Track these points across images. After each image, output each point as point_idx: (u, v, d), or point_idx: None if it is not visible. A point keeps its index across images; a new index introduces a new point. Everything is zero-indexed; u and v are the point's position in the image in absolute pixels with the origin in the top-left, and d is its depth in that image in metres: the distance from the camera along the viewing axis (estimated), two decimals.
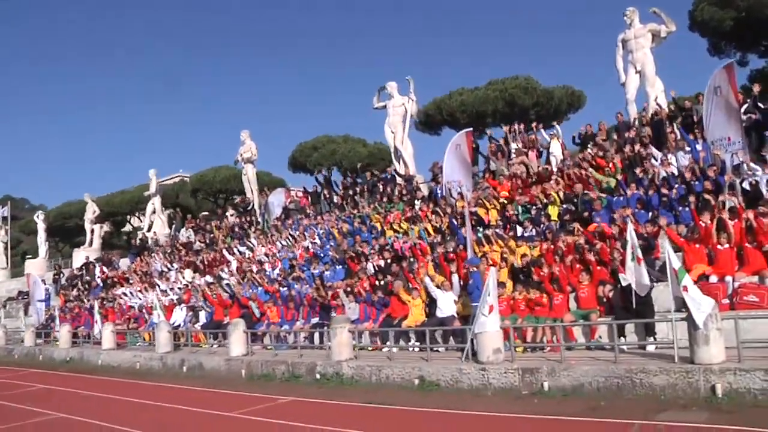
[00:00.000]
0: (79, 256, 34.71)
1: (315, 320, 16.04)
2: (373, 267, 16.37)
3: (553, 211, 15.74)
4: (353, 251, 18.06)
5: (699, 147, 15.01)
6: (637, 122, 18.54)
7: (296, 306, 16.71)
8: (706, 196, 12.99)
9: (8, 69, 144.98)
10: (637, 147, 16.21)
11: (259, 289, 18.56)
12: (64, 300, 26.28)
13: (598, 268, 12.40)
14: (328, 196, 24.56)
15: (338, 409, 10.30)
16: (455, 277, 13.98)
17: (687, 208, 13.00)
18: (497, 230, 15.20)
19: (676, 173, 14.85)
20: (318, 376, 13.17)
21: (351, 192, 23.75)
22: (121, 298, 23.19)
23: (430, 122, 38.40)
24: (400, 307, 14.42)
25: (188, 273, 22.54)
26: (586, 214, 14.84)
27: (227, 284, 19.64)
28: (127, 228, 58.69)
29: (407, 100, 24.53)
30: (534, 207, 16.27)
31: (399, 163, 24.69)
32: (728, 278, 11.14)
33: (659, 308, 11.55)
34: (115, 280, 26.02)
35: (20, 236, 59.59)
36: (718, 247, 11.61)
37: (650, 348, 10.73)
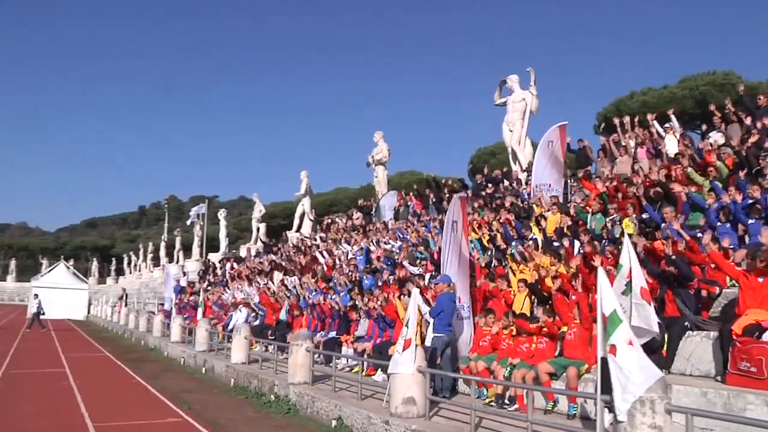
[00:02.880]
0: (242, 252, 36.51)
1: (332, 334, 14.01)
2: (396, 279, 13.79)
3: (628, 225, 11.68)
4: (408, 260, 15.61)
5: None
6: None
7: (318, 316, 14.82)
8: None
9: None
10: (752, 139, 11.36)
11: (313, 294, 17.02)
12: (191, 292, 27.48)
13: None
14: (434, 199, 22.12)
15: None
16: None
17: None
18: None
19: None
20: (273, 397, 11.22)
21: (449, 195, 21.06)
22: (223, 293, 23.35)
23: (608, 126, 33.38)
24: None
25: (277, 275, 21.82)
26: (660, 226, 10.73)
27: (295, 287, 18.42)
28: None
29: (528, 95, 21.06)
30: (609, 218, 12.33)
31: (515, 164, 21.31)
32: None
33: (693, 369, 7.63)
34: (234, 276, 26.46)
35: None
36: None
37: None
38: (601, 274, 5.64)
